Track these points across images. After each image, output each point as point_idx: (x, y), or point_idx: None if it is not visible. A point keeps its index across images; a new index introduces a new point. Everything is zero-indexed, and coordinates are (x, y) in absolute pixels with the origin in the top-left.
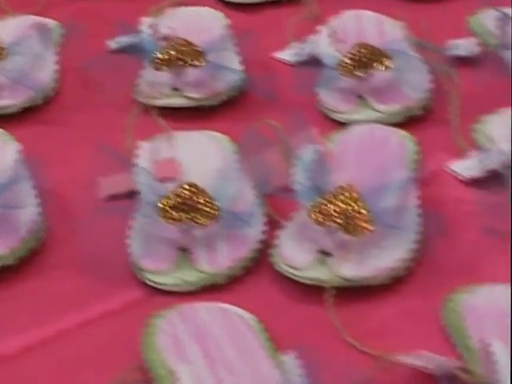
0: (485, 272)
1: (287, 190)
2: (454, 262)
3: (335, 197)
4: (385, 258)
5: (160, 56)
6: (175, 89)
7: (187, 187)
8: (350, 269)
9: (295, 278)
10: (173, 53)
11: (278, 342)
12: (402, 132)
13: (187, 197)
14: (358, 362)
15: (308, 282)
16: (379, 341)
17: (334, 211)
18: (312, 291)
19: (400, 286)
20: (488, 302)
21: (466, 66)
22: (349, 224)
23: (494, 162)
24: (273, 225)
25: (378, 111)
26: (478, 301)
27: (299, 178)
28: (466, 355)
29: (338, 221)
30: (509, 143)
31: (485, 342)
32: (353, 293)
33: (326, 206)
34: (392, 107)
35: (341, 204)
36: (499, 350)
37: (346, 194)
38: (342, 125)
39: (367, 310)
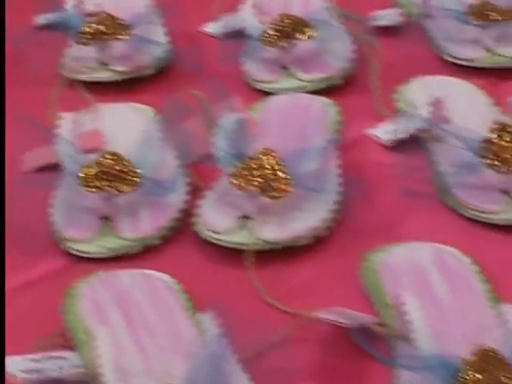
0: (402, 231)
1: (210, 157)
2: (373, 223)
3: (255, 162)
4: (305, 221)
5: (84, 30)
6: (101, 63)
7: (108, 156)
8: (271, 231)
9: (217, 243)
10: (97, 27)
11: (199, 305)
12: (324, 99)
13: (108, 165)
14: (278, 321)
15: (230, 245)
16: (299, 301)
17: (254, 176)
18: (234, 255)
19: (320, 247)
20: (404, 260)
21: (389, 35)
22: (269, 187)
23: (413, 126)
24: (196, 192)
25: (301, 80)
26: (394, 258)
27: (220, 144)
28: (382, 311)
29: (258, 185)
30: (428, 108)
31: (398, 298)
32: (274, 255)
33: (247, 170)
34: (315, 76)
35: (261, 168)
36: (412, 305)
37: (266, 159)
38: (266, 94)
39: (287, 272)
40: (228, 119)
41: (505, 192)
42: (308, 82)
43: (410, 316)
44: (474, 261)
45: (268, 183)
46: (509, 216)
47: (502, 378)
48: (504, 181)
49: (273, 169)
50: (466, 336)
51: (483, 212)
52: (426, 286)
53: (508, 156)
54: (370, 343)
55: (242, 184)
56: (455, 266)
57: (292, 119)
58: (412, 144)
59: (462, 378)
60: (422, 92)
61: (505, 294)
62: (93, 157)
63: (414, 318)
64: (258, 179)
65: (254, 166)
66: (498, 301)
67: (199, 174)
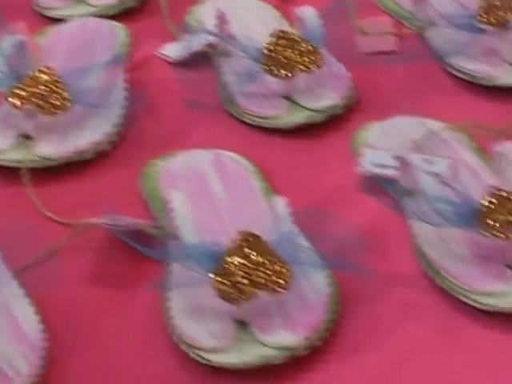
0: (186, 142)
1: None
2: (157, 136)
3: (32, 80)
4: (87, 136)
5: None
6: None
7: None
8: (50, 148)
9: None
10: None
11: None
12: (113, 23)
13: None
14: (56, 233)
15: (7, 164)
16: (81, 213)
17: (31, 94)
18: (13, 173)
19: (103, 161)
20: (183, 166)
21: None
22: (46, 105)
23: (200, 42)
24: None
25: (91, 6)
26: (173, 165)
27: None
28: (158, 215)
29: (35, 102)
30: (213, 24)
31: (168, 199)
32: (55, 171)
33: (23, 89)
34: (105, 1)
35: (38, 86)
36: (179, 202)
37: (43, 77)
38: (58, 22)
39: (69, 186)
40: (5, 41)
41: (286, 97)
42: (98, 7)
43: (176, 212)
44: (253, 163)
45: (45, 100)
46: (289, 119)
47: (260, 259)
48: (284, 86)
49: (50, 86)
50: (239, 230)
51: (265, 118)
52: (201, 187)
53: (287, 61)
54: (144, 245)
55: (18, 103)
56: (233, 168)
57: (79, 42)
58: (199, 60)
59: (224, 263)
60: (211, 10)
61: (279, 189)
62: None
63: (179, 214)
64: (35, 97)
65: (31, 84)
66: (272, 195)
67: None
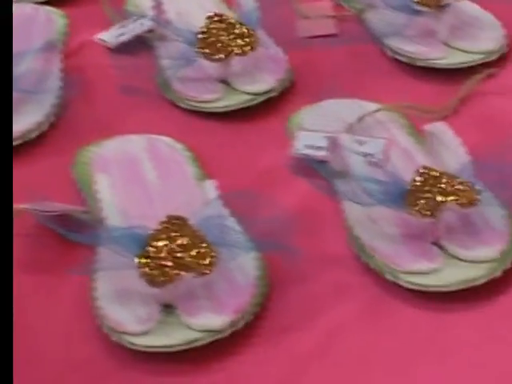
0: (121, 128)
1: None
2: (92, 122)
3: None
4: (19, 123)
5: None
6: None
7: None
8: None
9: None
10: None
11: None
12: (50, 9)
13: None
14: None
15: None
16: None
17: None
18: None
19: (36, 147)
20: (116, 151)
21: None
22: None
23: (138, 27)
24: None
25: None
26: (106, 151)
27: None
28: (88, 200)
29: None
30: (151, 9)
31: (96, 184)
32: None
33: None
34: None
35: None
36: (108, 190)
37: None
38: None
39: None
40: None
41: (222, 81)
42: None
43: (102, 196)
44: (188, 147)
45: None
46: (225, 103)
47: (185, 241)
48: (220, 70)
49: None
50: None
51: (201, 102)
52: (133, 172)
53: (222, 44)
54: (74, 230)
55: None
56: (167, 153)
57: (14, 28)
58: (137, 45)
59: (148, 246)
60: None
61: (214, 173)
62: None
63: (105, 199)
64: None
65: None
66: (205, 179)
67: None
